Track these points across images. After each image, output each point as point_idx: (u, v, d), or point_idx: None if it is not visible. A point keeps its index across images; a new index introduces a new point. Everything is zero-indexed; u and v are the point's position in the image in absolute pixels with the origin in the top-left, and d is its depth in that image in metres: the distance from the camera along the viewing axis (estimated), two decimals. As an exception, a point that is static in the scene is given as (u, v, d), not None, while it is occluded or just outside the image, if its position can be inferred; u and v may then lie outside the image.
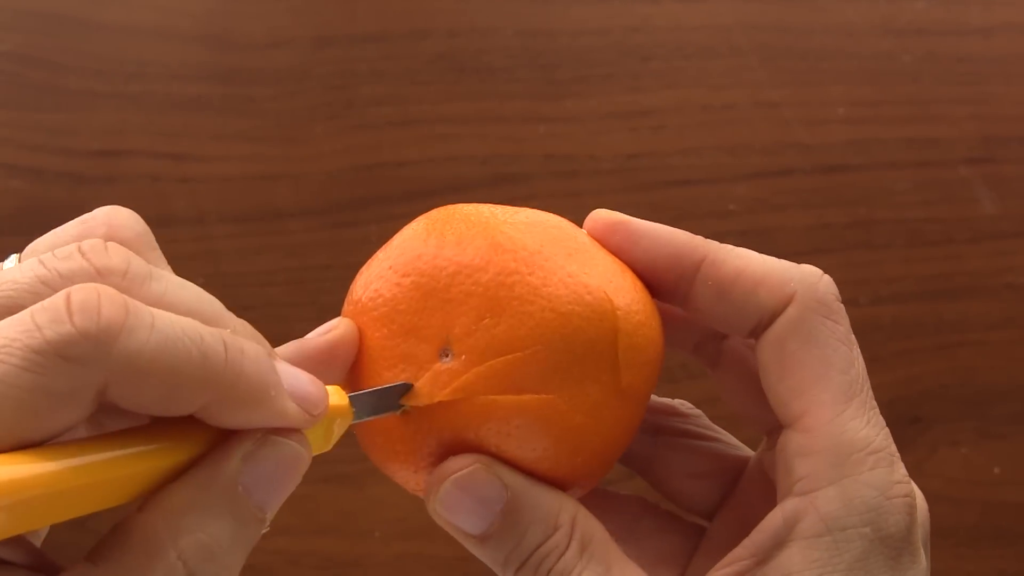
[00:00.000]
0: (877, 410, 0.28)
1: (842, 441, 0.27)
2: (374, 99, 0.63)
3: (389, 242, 0.30)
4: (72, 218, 0.26)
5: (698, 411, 0.34)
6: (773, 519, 0.27)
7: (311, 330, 0.31)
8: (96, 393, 0.22)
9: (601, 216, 0.31)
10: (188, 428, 0.24)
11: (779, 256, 0.30)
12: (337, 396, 0.26)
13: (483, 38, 0.64)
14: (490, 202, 0.30)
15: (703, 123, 0.63)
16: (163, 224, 0.61)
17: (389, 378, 0.28)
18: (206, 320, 0.24)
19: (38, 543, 0.26)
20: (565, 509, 0.27)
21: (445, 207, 0.30)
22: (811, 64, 0.64)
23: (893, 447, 0.28)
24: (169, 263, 0.26)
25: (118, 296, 0.22)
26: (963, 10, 0.64)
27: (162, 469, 0.23)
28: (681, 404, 0.33)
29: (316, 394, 0.25)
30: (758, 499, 0.31)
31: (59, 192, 0.61)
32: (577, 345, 0.27)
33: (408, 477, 0.29)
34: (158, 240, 0.26)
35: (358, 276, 0.30)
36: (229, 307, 0.25)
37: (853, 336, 0.28)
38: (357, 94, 0.63)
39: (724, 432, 0.34)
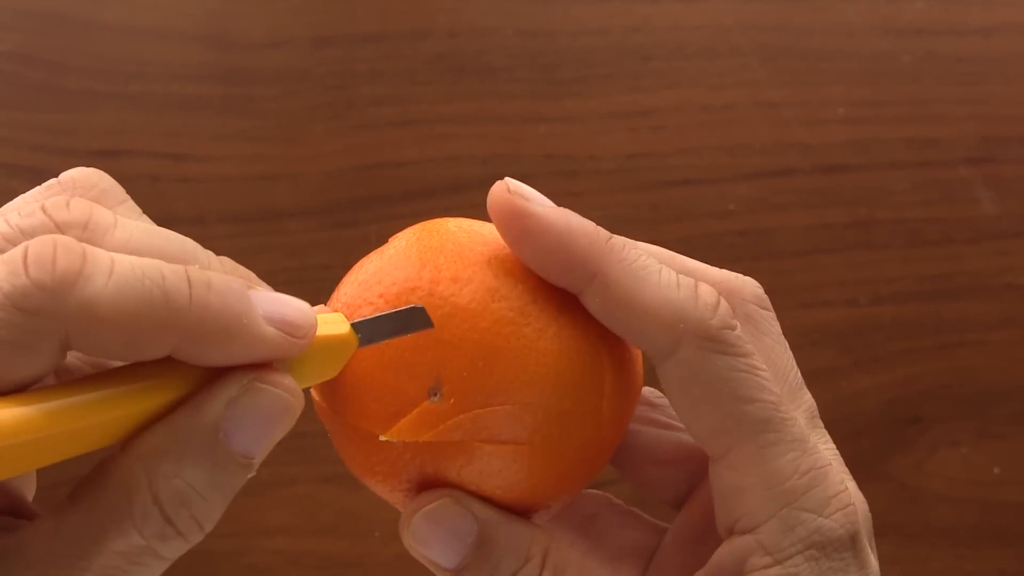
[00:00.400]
0: (795, 421, 0.28)
1: (769, 471, 0.27)
2: (374, 99, 0.63)
3: (377, 257, 0.29)
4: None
5: (667, 400, 0.33)
6: (721, 558, 0.28)
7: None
8: (59, 343, 0.22)
9: (502, 199, 0.28)
10: (173, 368, 0.23)
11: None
12: (337, 321, 0.26)
13: (483, 38, 0.64)
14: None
15: (703, 123, 0.63)
16: (163, 224, 0.61)
17: (375, 410, 0.27)
18: (178, 261, 0.23)
19: (30, 494, 0.27)
20: (536, 541, 0.28)
21: (434, 224, 0.30)
22: (811, 64, 0.64)
23: (821, 452, 0.28)
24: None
25: (75, 245, 0.22)
26: (963, 10, 0.64)
27: (146, 410, 0.23)
28: (651, 393, 0.33)
29: (299, 317, 0.24)
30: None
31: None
32: (567, 401, 0.27)
33: (386, 494, 0.29)
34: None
35: (342, 286, 0.29)
36: None
37: (754, 358, 0.27)
38: (357, 94, 0.63)
39: None
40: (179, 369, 0.23)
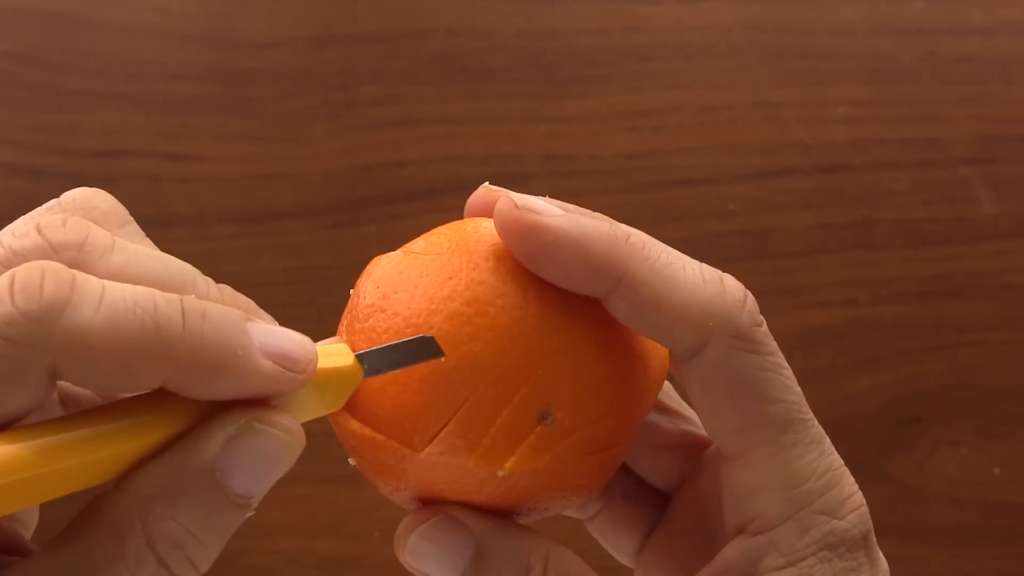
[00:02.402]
0: (814, 422, 0.28)
1: (788, 473, 0.27)
2: (374, 99, 0.63)
3: (404, 279, 0.27)
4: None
5: (667, 384, 0.34)
6: (731, 557, 0.27)
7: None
8: (47, 373, 0.21)
9: (510, 217, 0.26)
10: (169, 402, 0.23)
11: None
12: (340, 353, 0.25)
13: (483, 38, 0.64)
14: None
15: (703, 123, 0.63)
16: (163, 224, 0.61)
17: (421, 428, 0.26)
18: (175, 288, 0.23)
19: (28, 532, 0.26)
20: (535, 550, 0.27)
21: (462, 227, 0.29)
22: (811, 64, 0.64)
23: (834, 454, 0.28)
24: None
25: (64, 271, 0.21)
26: (963, 10, 0.64)
27: (141, 446, 0.22)
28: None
29: (298, 351, 0.23)
30: (713, 488, 0.31)
31: (59, 192, 0.61)
32: (642, 409, 0.29)
33: (395, 496, 0.29)
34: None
35: (367, 316, 0.27)
36: None
37: (779, 356, 0.27)
38: (357, 94, 0.63)
39: (690, 409, 0.34)
40: (176, 404, 0.23)
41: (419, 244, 0.29)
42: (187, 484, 0.22)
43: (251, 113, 0.63)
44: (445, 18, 0.64)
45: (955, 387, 0.62)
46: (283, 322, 0.25)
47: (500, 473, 0.26)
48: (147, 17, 0.64)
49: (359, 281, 0.28)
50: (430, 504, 0.28)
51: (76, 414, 0.22)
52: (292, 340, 0.24)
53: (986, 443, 0.62)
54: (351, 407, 0.27)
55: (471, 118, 0.63)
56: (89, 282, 0.21)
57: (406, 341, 0.26)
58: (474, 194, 0.29)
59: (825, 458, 0.27)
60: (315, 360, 0.24)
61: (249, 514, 0.24)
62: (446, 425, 0.26)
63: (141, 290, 0.22)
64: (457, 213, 0.31)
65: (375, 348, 0.26)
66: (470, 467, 0.26)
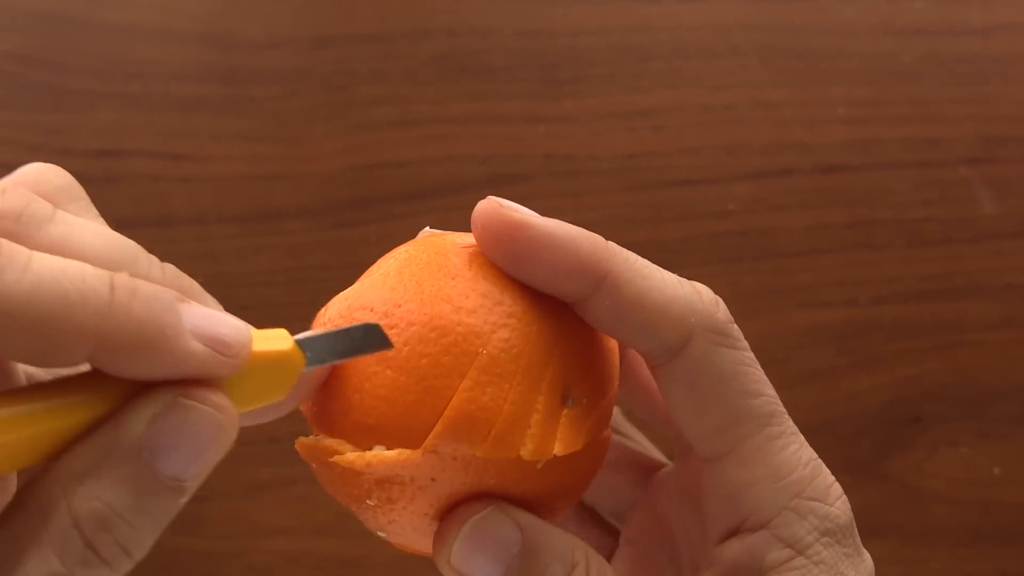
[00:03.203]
0: (787, 413, 0.28)
1: (777, 464, 0.27)
2: (374, 99, 0.63)
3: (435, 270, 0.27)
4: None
5: (616, 408, 0.34)
6: (734, 558, 0.28)
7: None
8: None
9: (495, 215, 0.26)
10: (100, 383, 0.22)
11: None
12: (278, 337, 0.24)
13: (483, 38, 0.64)
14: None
15: (703, 123, 0.63)
16: (163, 224, 0.61)
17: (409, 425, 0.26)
18: (115, 264, 0.22)
19: None
20: (577, 547, 0.27)
21: (440, 241, 0.29)
22: (811, 64, 0.64)
23: (808, 444, 0.28)
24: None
25: None
26: (963, 10, 0.64)
27: (69, 427, 0.22)
28: None
29: (230, 335, 0.23)
30: (677, 509, 0.31)
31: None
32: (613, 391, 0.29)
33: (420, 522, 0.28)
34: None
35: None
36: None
37: (751, 352, 0.28)
38: (357, 94, 0.63)
39: (638, 432, 0.35)
40: (108, 384, 0.22)
41: (387, 264, 0.28)
42: (113, 463, 0.21)
43: (251, 113, 0.63)
44: (445, 18, 0.64)
45: (955, 387, 0.62)
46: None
47: (540, 466, 0.26)
48: (147, 17, 0.64)
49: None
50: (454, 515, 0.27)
51: (1, 393, 0.22)
52: (226, 323, 0.23)
53: (986, 443, 0.62)
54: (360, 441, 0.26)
55: (471, 118, 0.63)
56: (15, 250, 0.20)
57: (349, 328, 0.25)
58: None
59: (805, 448, 0.28)
60: (248, 346, 0.23)
61: (184, 499, 0.22)
62: (496, 423, 0.25)
63: (71, 263, 0.21)
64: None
65: (315, 333, 0.25)
66: (517, 459, 0.25)
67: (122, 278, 0.21)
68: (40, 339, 0.20)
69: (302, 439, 0.28)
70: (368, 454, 0.26)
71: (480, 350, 0.25)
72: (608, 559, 0.32)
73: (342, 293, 0.28)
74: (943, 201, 0.63)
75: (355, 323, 0.25)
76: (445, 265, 0.27)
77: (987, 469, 0.62)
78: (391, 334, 0.26)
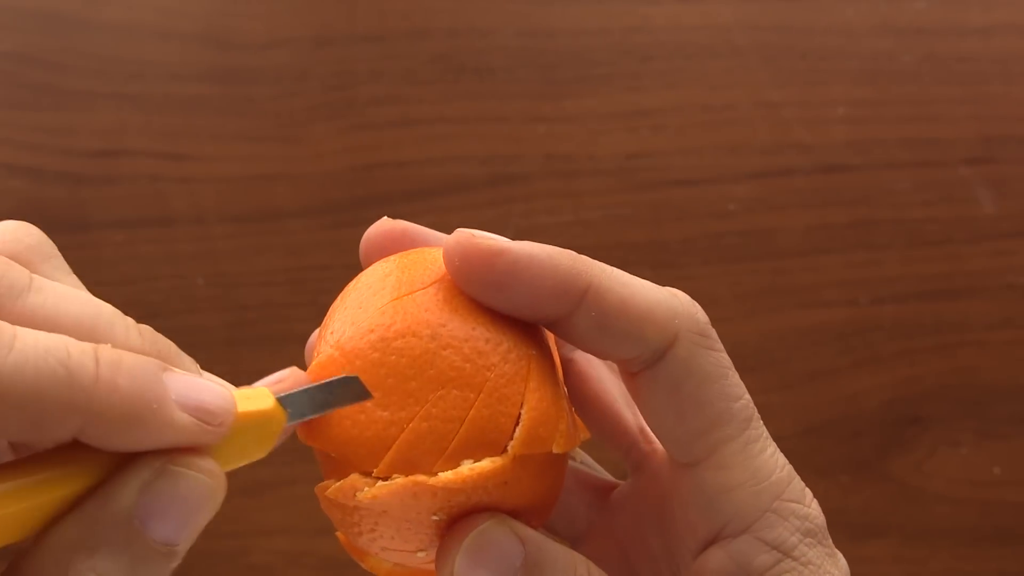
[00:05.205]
0: (760, 418, 0.28)
1: (756, 467, 0.27)
2: (374, 99, 0.63)
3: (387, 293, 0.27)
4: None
5: None
6: (721, 566, 0.27)
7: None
8: None
9: (471, 247, 0.26)
10: (85, 454, 0.22)
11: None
12: (261, 396, 0.24)
13: (483, 38, 0.64)
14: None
15: (703, 123, 0.63)
16: (163, 224, 0.61)
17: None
18: (93, 331, 0.22)
19: None
20: (580, 561, 0.27)
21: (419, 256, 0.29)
22: (811, 64, 0.64)
23: (780, 452, 0.28)
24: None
25: None
26: (963, 10, 0.64)
27: (56, 499, 0.21)
28: None
29: (214, 403, 0.23)
30: (636, 529, 0.31)
31: (59, 192, 0.61)
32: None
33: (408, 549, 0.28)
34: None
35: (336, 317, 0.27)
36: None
37: (727, 355, 0.28)
38: (357, 94, 0.63)
39: (586, 455, 0.35)
40: (93, 455, 0.22)
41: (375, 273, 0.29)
42: (105, 534, 0.21)
43: (251, 113, 0.63)
44: (445, 18, 0.64)
45: (955, 387, 0.62)
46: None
47: (556, 450, 0.26)
48: (147, 17, 0.64)
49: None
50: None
51: None
52: (210, 391, 0.23)
53: (986, 443, 0.62)
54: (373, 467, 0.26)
55: (471, 118, 0.63)
56: (0, 327, 0.20)
57: (328, 382, 0.25)
58: (373, 226, 0.28)
59: (779, 452, 0.28)
60: (233, 412, 0.23)
61: (175, 563, 0.22)
62: (515, 429, 0.26)
63: (54, 338, 0.21)
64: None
65: (296, 390, 0.25)
66: (511, 467, 0.26)
67: (106, 352, 0.21)
68: (28, 417, 0.20)
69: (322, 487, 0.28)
70: (460, 468, 0.26)
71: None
72: None
73: (338, 315, 0.28)
74: (943, 201, 0.63)
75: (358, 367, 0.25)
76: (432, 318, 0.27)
77: (987, 469, 0.62)
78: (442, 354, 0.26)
